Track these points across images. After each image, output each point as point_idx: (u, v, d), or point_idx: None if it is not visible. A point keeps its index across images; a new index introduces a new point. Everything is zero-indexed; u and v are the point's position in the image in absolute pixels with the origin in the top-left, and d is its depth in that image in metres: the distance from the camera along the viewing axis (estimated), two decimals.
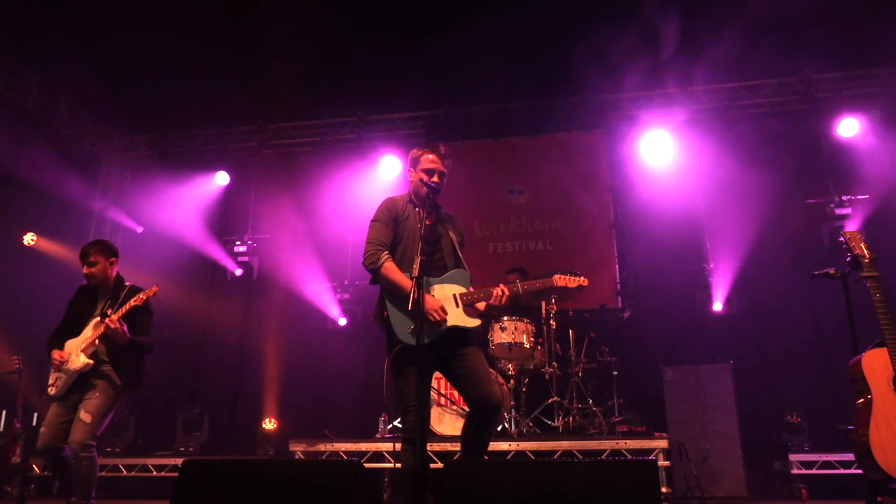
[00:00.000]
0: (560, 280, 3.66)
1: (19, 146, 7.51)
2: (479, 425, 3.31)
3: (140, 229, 8.96)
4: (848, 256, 3.83)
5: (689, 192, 7.56)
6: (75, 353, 4.21)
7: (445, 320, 3.26)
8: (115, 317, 4.14)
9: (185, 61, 7.36)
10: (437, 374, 5.97)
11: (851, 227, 6.75)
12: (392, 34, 7.45)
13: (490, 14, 6.99)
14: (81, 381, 4.20)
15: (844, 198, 7.01)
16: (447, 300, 3.35)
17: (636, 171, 7.89)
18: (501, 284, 3.40)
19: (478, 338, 3.60)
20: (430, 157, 3.45)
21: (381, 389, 6.52)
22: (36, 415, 7.95)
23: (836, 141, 7.36)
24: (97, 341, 4.21)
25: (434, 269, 3.39)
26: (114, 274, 4.47)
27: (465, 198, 7.95)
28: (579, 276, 3.75)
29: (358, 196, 8.40)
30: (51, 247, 8.41)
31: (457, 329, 3.32)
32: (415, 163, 3.51)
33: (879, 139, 7.17)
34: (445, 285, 3.38)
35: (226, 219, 8.77)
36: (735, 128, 7.61)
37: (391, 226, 3.43)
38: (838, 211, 6.98)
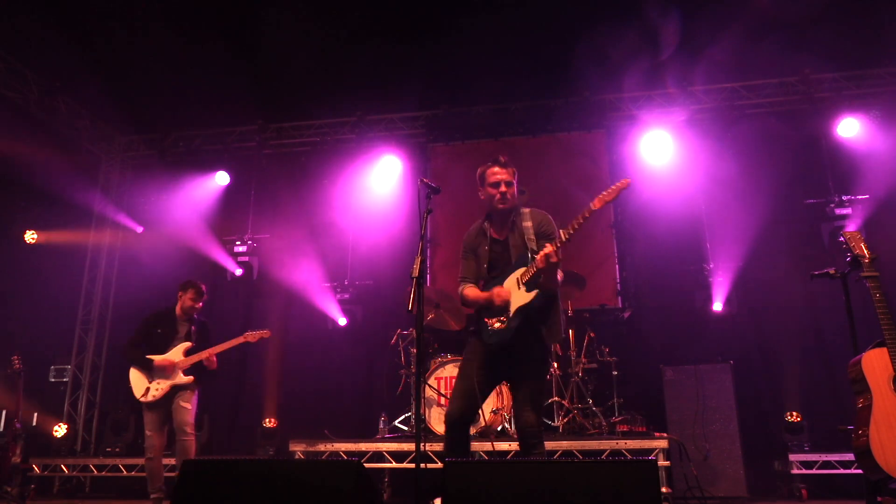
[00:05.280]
0: (600, 201, 3.39)
1: (19, 146, 7.51)
2: (522, 445, 3.53)
3: (140, 229, 8.95)
4: (848, 256, 3.83)
5: (689, 192, 7.55)
6: (173, 370, 5.25)
7: (508, 304, 3.45)
8: (214, 354, 5.32)
9: (185, 61, 7.36)
10: (438, 375, 6.00)
11: (851, 227, 6.75)
12: (392, 34, 7.44)
13: (490, 14, 6.98)
14: (172, 391, 5.25)
15: (844, 198, 7.01)
16: (514, 288, 3.48)
17: (636, 171, 7.87)
18: (547, 244, 3.33)
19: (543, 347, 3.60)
20: (493, 169, 3.61)
21: (382, 389, 6.54)
22: (36, 415, 7.97)
23: (836, 141, 7.35)
24: (189, 364, 5.28)
25: (503, 276, 3.57)
26: None
27: (465, 198, 7.94)
28: (616, 184, 3.42)
29: (358, 196, 8.41)
30: (56, 240, 8.43)
31: (525, 314, 3.41)
32: (482, 180, 3.66)
33: (879, 139, 7.17)
34: (511, 276, 3.52)
35: (226, 219, 8.76)
36: (735, 128, 7.61)
37: (471, 257, 3.72)
38: (838, 211, 6.98)
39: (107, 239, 8.96)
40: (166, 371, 5.23)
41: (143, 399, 5.22)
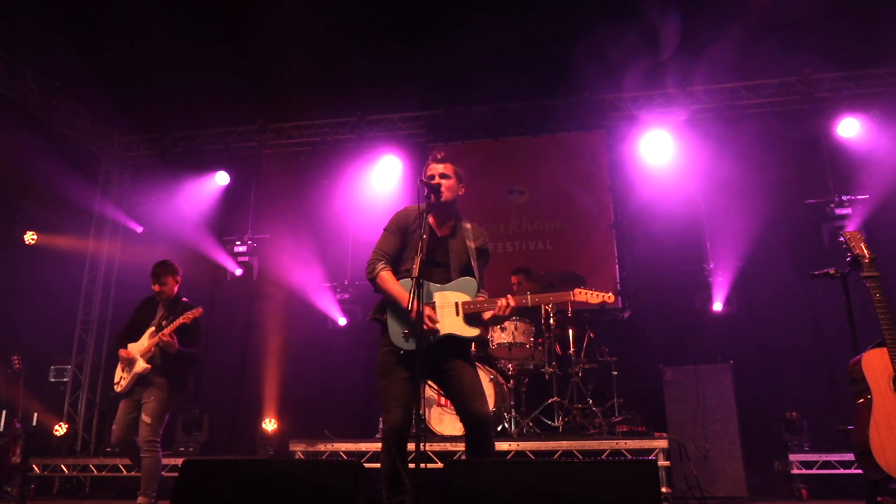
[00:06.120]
0: (580, 295, 3.35)
1: (19, 147, 7.51)
2: (473, 441, 3.31)
3: (140, 229, 8.95)
4: (848, 256, 3.83)
5: (689, 192, 7.55)
6: (137, 357, 4.93)
7: (436, 329, 3.26)
8: (167, 331, 4.83)
9: (185, 61, 7.36)
10: None
11: (851, 227, 6.75)
12: (392, 34, 7.44)
13: (490, 14, 6.98)
14: (141, 382, 4.91)
15: (844, 198, 7.01)
16: (448, 307, 3.33)
17: (636, 171, 7.89)
18: (509, 295, 3.31)
19: (476, 346, 3.49)
20: (430, 165, 3.59)
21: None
22: (36, 415, 7.97)
23: (836, 141, 7.35)
24: (154, 349, 4.91)
25: (440, 276, 3.40)
26: (176, 290, 5.16)
27: (465, 198, 7.92)
28: (603, 293, 3.38)
29: (358, 196, 8.42)
30: (54, 240, 8.43)
31: (452, 338, 3.29)
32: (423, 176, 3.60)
33: (879, 139, 7.17)
34: (449, 292, 3.37)
35: (226, 219, 8.76)
36: (735, 128, 7.61)
37: (397, 235, 3.50)
38: (838, 211, 6.99)
39: (107, 239, 8.96)
40: (129, 360, 4.93)
41: (116, 389, 4.99)
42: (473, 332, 3.31)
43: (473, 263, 3.46)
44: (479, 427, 3.27)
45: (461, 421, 3.35)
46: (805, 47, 7.01)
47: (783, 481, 6.16)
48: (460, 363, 3.34)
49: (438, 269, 3.41)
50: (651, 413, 6.24)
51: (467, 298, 3.35)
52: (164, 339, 4.78)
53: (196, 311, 4.97)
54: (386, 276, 3.40)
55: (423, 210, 3.35)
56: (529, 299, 3.33)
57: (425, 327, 3.18)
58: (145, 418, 4.79)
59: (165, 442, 7.28)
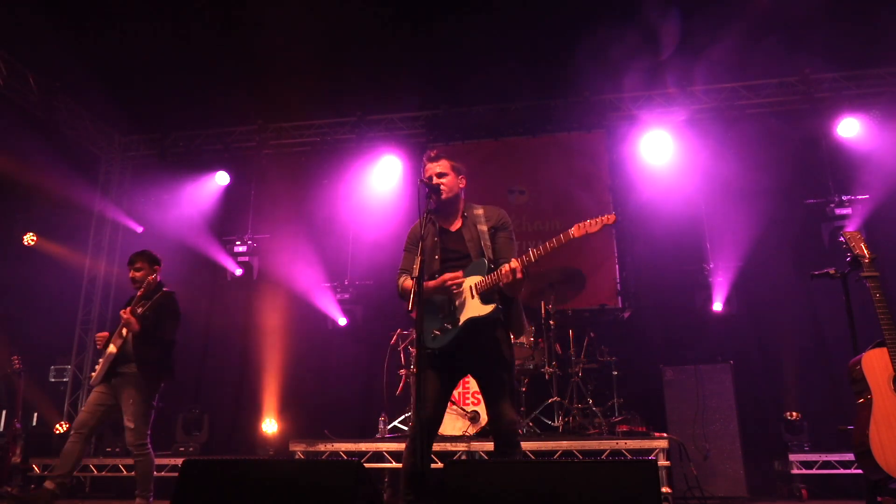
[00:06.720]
0: (579, 229, 3.31)
1: (19, 146, 7.52)
2: (497, 441, 3.41)
3: (140, 229, 8.96)
4: (848, 256, 3.83)
5: (689, 192, 7.55)
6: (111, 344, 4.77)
7: (461, 290, 3.32)
8: (127, 309, 4.67)
9: (185, 61, 7.36)
10: None
11: (851, 227, 6.76)
12: (392, 34, 7.45)
13: (491, 14, 6.99)
14: (115, 373, 4.70)
15: (844, 198, 7.02)
16: (465, 294, 3.36)
17: (636, 171, 7.89)
18: (512, 259, 3.29)
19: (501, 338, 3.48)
20: (425, 166, 3.59)
21: (381, 389, 6.53)
22: (36, 415, 7.97)
23: (836, 141, 7.36)
24: (124, 331, 4.71)
25: (459, 269, 3.42)
26: (156, 279, 4.99)
27: (465, 198, 7.95)
28: (601, 216, 3.32)
29: (358, 196, 8.42)
30: (52, 247, 8.43)
31: (473, 322, 3.29)
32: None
33: (879, 139, 7.17)
34: (465, 281, 3.39)
35: (226, 219, 8.77)
36: (735, 128, 7.61)
37: (413, 250, 3.54)
38: (838, 211, 6.99)
39: (107, 239, 8.97)
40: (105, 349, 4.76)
41: (91, 382, 4.86)
42: (489, 308, 3.30)
43: (485, 245, 3.47)
44: (497, 428, 3.35)
45: (493, 425, 3.42)
46: (805, 47, 7.01)
47: (783, 481, 6.16)
48: (494, 363, 3.37)
49: (461, 262, 3.45)
50: (651, 413, 6.24)
51: (480, 279, 3.36)
52: (124, 316, 4.62)
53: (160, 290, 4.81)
54: (408, 285, 3.46)
55: (423, 215, 3.38)
56: (532, 254, 3.29)
57: (452, 283, 3.30)
58: (128, 423, 4.65)
59: (165, 442, 7.32)
